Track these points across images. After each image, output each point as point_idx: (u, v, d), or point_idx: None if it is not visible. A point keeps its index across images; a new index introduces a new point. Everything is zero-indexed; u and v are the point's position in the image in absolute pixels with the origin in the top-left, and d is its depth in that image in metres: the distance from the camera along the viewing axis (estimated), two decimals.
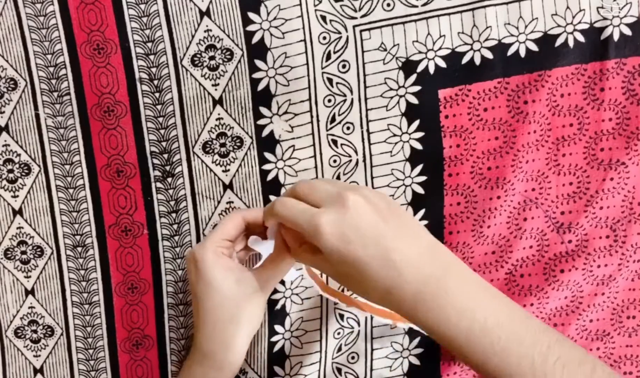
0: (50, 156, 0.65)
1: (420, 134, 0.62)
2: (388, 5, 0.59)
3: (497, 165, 0.62)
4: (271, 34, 0.61)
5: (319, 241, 0.49)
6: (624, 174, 0.62)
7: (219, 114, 0.63)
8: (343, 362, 0.68)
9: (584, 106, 0.61)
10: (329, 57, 0.61)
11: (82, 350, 0.69)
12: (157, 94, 0.63)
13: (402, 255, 0.48)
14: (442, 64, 0.61)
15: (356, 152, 0.63)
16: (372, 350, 0.68)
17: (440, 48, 0.60)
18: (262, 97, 0.62)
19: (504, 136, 0.62)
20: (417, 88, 0.61)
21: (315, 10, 0.60)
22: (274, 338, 0.67)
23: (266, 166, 0.64)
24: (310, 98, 0.62)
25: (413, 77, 0.61)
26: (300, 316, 0.67)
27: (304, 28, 0.60)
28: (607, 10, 0.58)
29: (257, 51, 0.61)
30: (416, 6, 0.59)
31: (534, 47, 0.60)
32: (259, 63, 0.61)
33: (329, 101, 0.62)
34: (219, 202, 0.65)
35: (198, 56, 0.62)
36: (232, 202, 0.64)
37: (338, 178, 0.63)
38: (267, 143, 0.63)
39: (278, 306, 0.67)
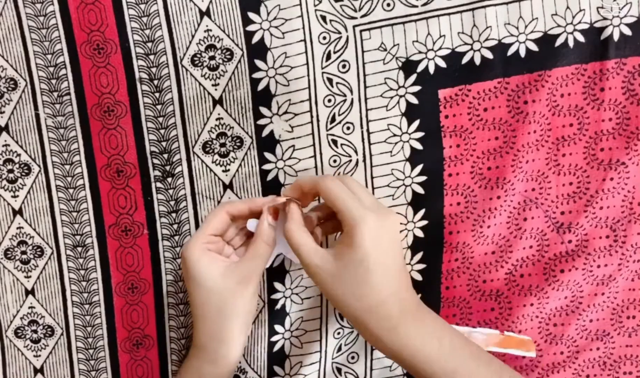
0: (50, 156, 0.65)
1: (420, 134, 0.62)
2: (388, 5, 0.59)
3: (497, 165, 0.62)
4: (271, 34, 0.61)
5: (359, 231, 0.52)
6: (624, 174, 0.62)
7: (219, 114, 0.63)
8: (343, 362, 0.68)
9: (584, 106, 0.61)
10: (329, 57, 0.61)
11: (82, 349, 0.69)
12: (157, 94, 0.63)
13: (408, 276, 0.57)
14: (442, 64, 0.60)
15: (356, 152, 0.63)
16: (372, 349, 0.69)
17: (440, 48, 0.60)
18: (262, 97, 0.62)
19: (504, 136, 0.62)
20: (417, 88, 0.61)
21: (315, 10, 0.60)
22: (273, 338, 0.67)
23: (266, 166, 0.64)
24: (310, 98, 0.62)
25: (413, 77, 0.61)
26: (300, 316, 0.67)
27: (304, 28, 0.60)
28: (607, 10, 0.58)
29: (257, 50, 0.61)
30: (416, 6, 0.59)
31: (534, 47, 0.60)
32: (259, 63, 0.61)
33: (329, 101, 0.62)
34: (219, 202, 0.65)
35: (198, 55, 0.62)
36: None
37: None
38: (267, 143, 0.63)
39: (278, 306, 0.67)
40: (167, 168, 0.64)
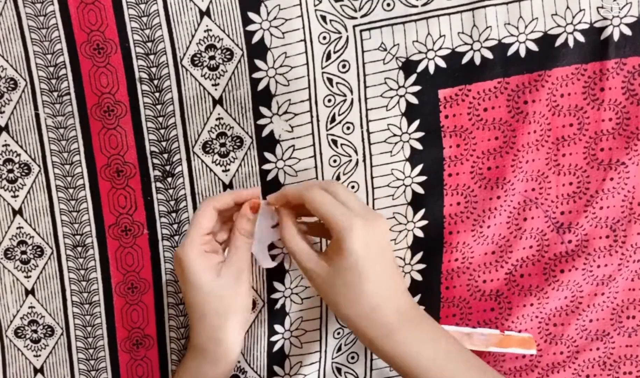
0: (50, 155, 0.65)
1: (420, 134, 0.62)
2: (388, 5, 0.59)
3: (497, 165, 0.62)
4: (271, 34, 0.61)
5: (347, 238, 0.52)
6: (624, 174, 0.62)
7: (219, 114, 0.63)
8: (343, 362, 0.68)
9: (584, 106, 0.61)
10: (329, 57, 0.61)
11: (82, 349, 0.69)
12: (157, 94, 0.63)
13: (402, 280, 0.57)
14: (442, 64, 0.60)
15: (356, 152, 0.63)
16: None
17: (440, 48, 0.60)
18: (262, 97, 0.62)
19: (504, 136, 0.62)
20: (417, 88, 0.61)
21: (315, 10, 0.60)
22: (273, 338, 0.67)
23: (266, 166, 0.64)
24: (310, 98, 0.62)
25: (413, 77, 0.61)
26: (300, 316, 0.67)
27: (304, 28, 0.60)
28: (607, 10, 0.58)
29: (257, 50, 0.61)
30: (416, 6, 0.59)
31: (534, 47, 0.60)
32: (259, 63, 0.61)
33: (329, 101, 0.62)
34: None
35: (198, 55, 0.62)
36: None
37: (338, 178, 0.63)
38: (267, 143, 0.63)
39: (278, 306, 0.67)
40: (167, 167, 0.64)
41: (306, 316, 0.67)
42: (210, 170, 0.64)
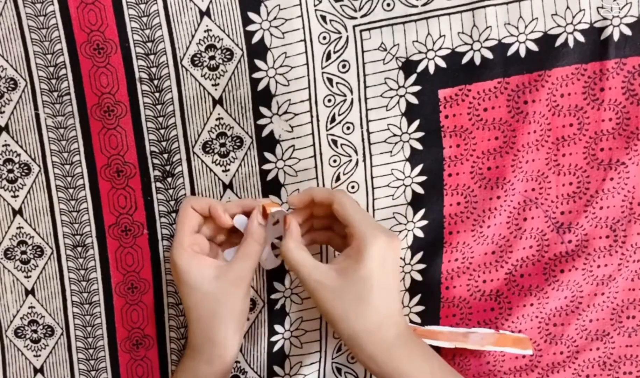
0: (50, 155, 0.65)
1: (420, 134, 0.62)
2: (388, 5, 0.59)
3: (497, 165, 0.62)
4: (271, 34, 0.61)
5: (370, 248, 0.53)
6: (624, 174, 0.62)
7: (219, 114, 0.63)
8: (343, 362, 0.68)
9: (584, 106, 0.61)
10: (329, 57, 0.61)
11: (82, 349, 0.69)
12: (157, 94, 0.63)
13: (400, 302, 0.59)
14: (442, 64, 0.60)
15: (356, 152, 0.63)
16: None
17: (440, 48, 0.60)
18: (262, 97, 0.62)
19: (504, 136, 0.62)
20: (417, 88, 0.61)
21: (315, 10, 0.60)
22: (273, 338, 0.67)
23: (266, 166, 0.64)
24: (310, 98, 0.62)
25: (413, 77, 0.61)
26: (300, 316, 0.67)
27: (304, 28, 0.60)
28: (607, 10, 0.58)
29: (257, 50, 0.61)
30: (416, 6, 0.59)
31: (534, 47, 0.60)
32: (259, 63, 0.61)
33: (329, 101, 0.62)
34: None
35: (198, 55, 0.62)
36: None
37: (338, 178, 0.63)
38: (267, 143, 0.63)
39: (278, 306, 0.67)
40: (167, 167, 0.64)
41: (306, 317, 0.67)
42: (210, 170, 0.64)
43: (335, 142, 0.63)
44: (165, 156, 0.64)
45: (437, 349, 0.65)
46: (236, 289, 0.58)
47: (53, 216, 0.66)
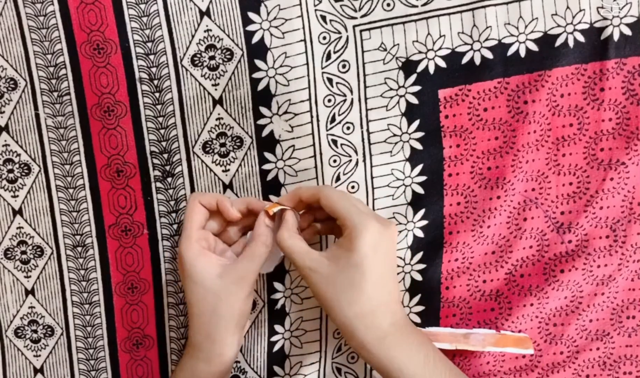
0: (50, 156, 0.65)
1: (420, 134, 0.62)
2: (388, 5, 0.59)
3: (497, 165, 0.62)
4: (271, 34, 0.61)
5: (360, 236, 0.53)
6: (624, 174, 0.62)
7: (219, 114, 0.63)
8: (343, 362, 0.68)
9: (584, 106, 0.61)
10: (329, 57, 0.61)
11: (82, 349, 0.69)
12: (157, 94, 0.63)
13: (398, 289, 0.59)
14: (442, 64, 0.60)
15: (356, 152, 0.63)
16: None
17: (440, 48, 0.60)
18: (262, 97, 0.62)
19: (504, 136, 0.62)
20: (417, 88, 0.61)
21: (315, 10, 0.60)
22: (273, 338, 0.67)
23: (266, 166, 0.64)
24: (310, 98, 0.62)
25: (413, 77, 0.61)
26: (300, 316, 0.67)
27: (304, 28, 0.60)
28: (607, 10, 0.58)
29: (257, 50, 0.61)
30: (416, 6, 0.59)
31: (534, 47, 0.60)
32: (259, 63, 0.61)
33: (329, 101, 0.62)
34: None
35: (198, 55, 0.62)
36: None
37: (338, 178, 0.63)
38: (267, 143, 0.63)
39: (278, 306, 0.67)
40: (167, 167, 0.64)
41: (306, 317, 0.67)
42: (210, 170, 0.64)
43: (335, 142, 0.63)
44: (165, 156, 0.64)
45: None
46: (238, 289, 0.58)
47: (53, 216, 0.66)
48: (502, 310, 0.66)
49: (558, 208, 0.64)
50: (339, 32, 0.60)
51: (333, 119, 0.62)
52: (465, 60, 0.60)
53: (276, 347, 0.68)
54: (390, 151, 0.63)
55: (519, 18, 0.59)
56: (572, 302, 0.66)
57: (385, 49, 0.60)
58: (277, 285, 0.66)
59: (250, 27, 0.61)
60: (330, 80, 0.61)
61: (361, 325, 0.55)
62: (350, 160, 0.63)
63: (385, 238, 0.55)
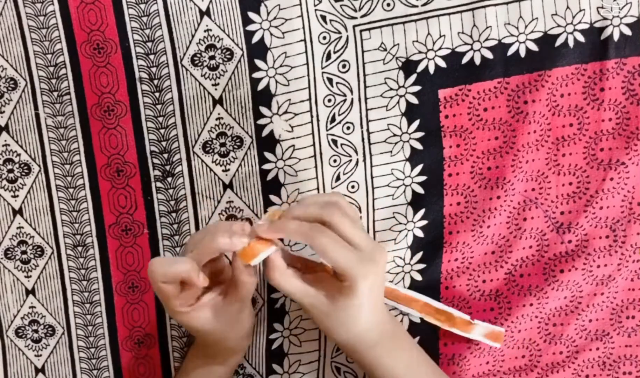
0: (50, 155, 0.65)
1: (420, 134, 0.62)
2: (388, 5, 0.59)
3: (497, 165, 0.62)
4: (271, 34, 0.61)
5: (359, 286, 0.53)
6: (624, 174, 0.62)
7: (219, 113, 0.63)
8: (342, 362, 0.68)
9: (584, 106, 0.61)
10: (329, 57, 0.61)
11: (83, 349, 0.69)
12: (157, 94, 0.63)
13: (383, 305, 0.60)
14: (442, 64, 0.60)
15: (356, 152, 0.63)
16: None
17: (440, 48, 0.60)
18: (262, 97, 0.62)
19: (504, 136, 0.62)
20: (417, 88, 0.61)
21: (315, 10, 0.60)
22: (272, 336, 0.68)
23: (266, 166, 0.64)
24: (310, 98, 0.62)
25: (413, 77, 0.61)
26: (299, 315, 0.67)
27: (304, 28, 0.60)
28: (607, 10, 0.58)
29: (257, 50, 0.61)
30: (416, 6, 0.59)
31: (534, 47, 0.60)
32: (259, 63, 0.61)
33: (329, 100, 0.62)
34: (219, 202, 0.65)
35: (198, 55, 0.62)
36: (232, 202, 0.64)
37: (338, 178, 0.63)
38: (267, 143, 0.63)
39: (277, 305, 0.67)
40: (167, 167, 0.64)
41: (305, 315, 0.67)
42: (210, 170, 0.64)
43: (335, 142, 0.63)
44: (165, 155, 0.64)
45: (437, 344, 0.66)
46: (235, 323, 0.59)
47: (53, 216, 0.66)
48: (501, 310, 0.66)
49: (558, 208, 0.64)
50: (339, 32, 0.60)
51: (333, 119, 0.62)
52: (465, 60, 0.60)
53: (275, 345, 0.68)
54: (390, 151, 0.63)
55: (519, 18, 0.59)
56: (571, 302, 0.66)
57: (385, 49, 0.60)
58: None
59: (250, 27, 0.61)
60: (330, 80, 0.61)
61: (354, 340, 0.57)
62: (350, 160, 0.63)
63: (379, 276, 0.55)
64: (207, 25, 0.61)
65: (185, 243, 0.66)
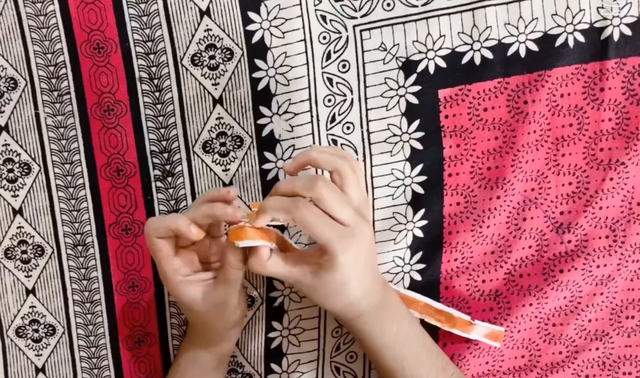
0: (50, 155, 0.65)
1: (420, 134, 0.62)
2: (388, 5, 0.59)
3: (497, 165, 0.62)
4: (271, 34, 0.61)
5: (342, 258, 0.53)
6: (624, 174, 0.62)
7: (219, 113, 0.63)
8: (341, 362, 0.68)
9: (583, 106, 0.61)
10: (329, 57, 0.61)
11: (84, 348, 0.69)
12: (157, 94, 0.63)
13: (378, 275, 0.60)
14: (442, 64, 0.60)
15: (356, 152, 0.63)
16: None
17: (440, 48, 0.60)
18: (262, 97, 0.62)
19: (504, 136, 0.62)
20: (417, 88, 0.61)
21: (315, 10, 0.60)
22: (271, 335, 0.68)
23: (266, 166, 0.64)
24: (310, 98, 0.62)
25: (413, 77, 0.61)
26: (298, 314, 0.67)
27: (304, 28, 0.60)
28: (607, 10, 0.58)
29: (257, 50, 0.61)
30: (416, 6, 0.59)
31: (534, 47, 0.59)
32: (259, 62, 0.61)
33: (329, 100, 0.62)
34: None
35: (198, 55, 0.62)
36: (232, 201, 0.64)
37: None
38: (267, 143, 0.63)
39: (276, 304, 0.67)
40: (167, 167, 0.64)
41: (304, 315, 0.67)
42: (210, 170, 0.64)
43: (335, 142, 0.63)
44: (166, 155, 0.64)
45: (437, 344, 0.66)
46: (224, 308, 0.59)
47: (53, 216, 0.66)
48: (501, 310, 0.66)
49: (557, 208, 0.64)
50: (339, 32, 0.60)
51: (333, 119, 0.62)
52: (465, 60, 0.60)
53: (273, 344, 0.68)
54: (390, 151, 0.63)
55: (519, 18, 0.59)
56: (571, 302, 0.66)
57: (385, 49, 0.60)
58: (276, 283, 0.66)
59: (250, 27, 0.61)
60: (330, 80, 0.61)
61: (343, 310, 0.58)
62: None
63: (363, 246, 0.54)
64: (207, 25, 0.61)
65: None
